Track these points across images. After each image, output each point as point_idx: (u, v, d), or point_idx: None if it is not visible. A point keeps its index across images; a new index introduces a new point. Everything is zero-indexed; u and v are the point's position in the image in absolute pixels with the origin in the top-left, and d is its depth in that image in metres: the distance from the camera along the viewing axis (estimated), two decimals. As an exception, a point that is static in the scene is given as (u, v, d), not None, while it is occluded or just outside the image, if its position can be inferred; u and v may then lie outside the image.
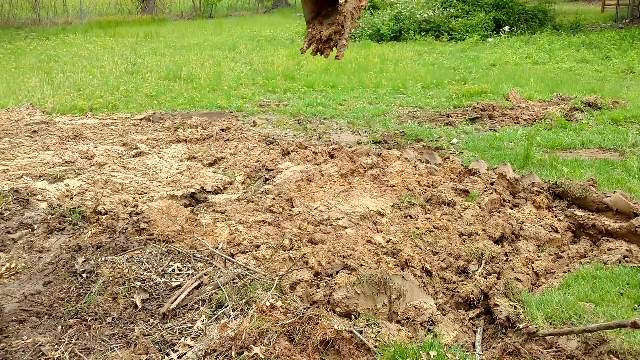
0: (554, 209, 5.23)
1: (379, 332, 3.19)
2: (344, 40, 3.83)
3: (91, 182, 5.69)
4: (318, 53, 3.90)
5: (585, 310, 3.44)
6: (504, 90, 10.57)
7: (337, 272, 3.95)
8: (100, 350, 3.10)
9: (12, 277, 3.84)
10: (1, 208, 4.78)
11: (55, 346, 3.12)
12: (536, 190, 5.48)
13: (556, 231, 4.79)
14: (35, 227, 4.57)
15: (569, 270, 4.15)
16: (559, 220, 4.99)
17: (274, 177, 5.95)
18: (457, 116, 9.01)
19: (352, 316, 3.41)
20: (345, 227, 4.75)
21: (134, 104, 9.85)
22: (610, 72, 12.58)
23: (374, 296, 3.50)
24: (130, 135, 7.79)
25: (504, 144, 7.38)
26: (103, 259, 3.95)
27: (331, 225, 4.81)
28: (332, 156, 6.71)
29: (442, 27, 19.44)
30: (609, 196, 5.13)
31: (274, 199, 5.29)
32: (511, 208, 5.31)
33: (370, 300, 3.50)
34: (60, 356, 3.03)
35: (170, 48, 17.57)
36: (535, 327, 3.23)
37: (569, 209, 5.15)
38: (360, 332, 3.16)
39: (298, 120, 8.91)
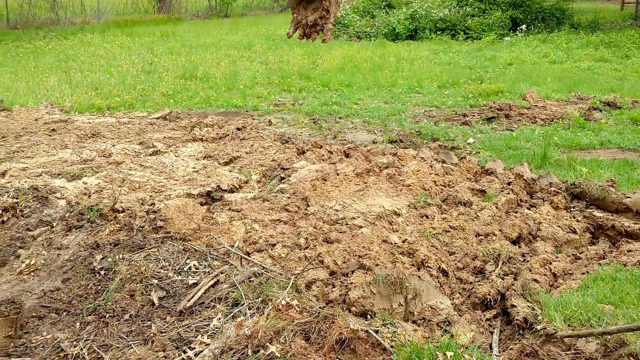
0: (572, 209, 5.18)
1: (395, 332, 3.18)
2: (330, 25, 3.89)
3: (109, 181, 5.75)
4: (305, 37, 3.94)
5: (605, 312, 3.40)
6: (521, 90, 10.48)
7: (352, 272, 3.95)
8: (118, 347, 3.13)
9: (32, 273, 3.89)
10: (21, 205, 4.84)
11: (74, 342, 3.15)
12: (554, 191, 5.43)
13: (574, 232, 4.74)
14: (54, 224, 4.62)
15: (587, 272, 4.10)
16: (577, 221, 4.93)
17: (290, 176, 5.96)
18: (474, 116, 8.95)
19: (368, 316, 3.41)
20: (361, 227, 4.74)
21: (151, 103, 9.93)
22: (630, 71, 12.41)
23: (390, 296, 3.50)
24: (147, 134, 7.85)
25: (521, 143, 7.32)
26: (120, 256, 3.98)
27: (347, 224, 4.80)
28: (347, 155, 6.70)
29: (458, 26, 19.32)
30: (628, 197, 5.06)
31: (289, 198, 5.30)
32: (528, 208, 5.26)
33: (386, 300, 3.49)
34: (79, 352, 3.06)
35: (187, 47, 17.66)
36: (554, 329, 3.20)
37: (588, 210, 5.09)
38: (376, 331, 3.15)
39: (313, 119, 8.91)
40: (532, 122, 8.49)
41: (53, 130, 7.90)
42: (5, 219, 4.62)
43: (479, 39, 18.10)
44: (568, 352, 3.10)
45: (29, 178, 5.76)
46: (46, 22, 23.64)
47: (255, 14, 32.60)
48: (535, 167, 6.33)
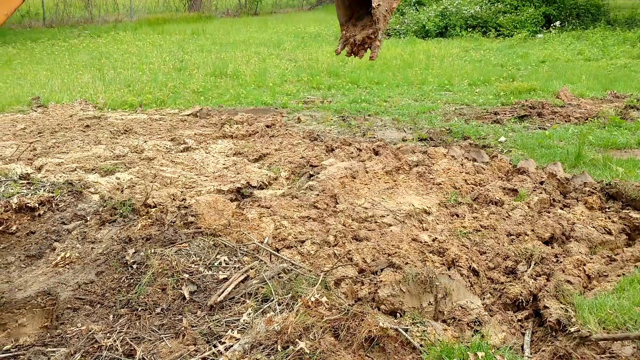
0: (607, 210, 5.06)
1: (424, 331, 3.16)
2: (377, 42, 3.90)
3: (141, 176, 5.84)
4: (352, 55, 3.95)
5: (642, 315, 3.31)
6: (554, 88, 10.29)
7: (382, 270, 3.93)
8: (150, 340, 3.18)
9: (67, 266, 3.98)
10: (56, 199, 4.96)
11: (108, 334, 3.21)
12: (588, 191, 5.31)
13: (609, 233, 4.63)
14: (88, 218, 4.72)
15: (623, 274, 4.00)
16: (613, 221, 4.82)
17: (318, 173, 5.95)
18: (505, 114, 8.82)
19: (398, 314, 3.39)
20: (390, 225, 4.72)
21: (182, 100, 10.05)
22: (668, 68, 12.07)
23: (419, 295, 3.47)
24: (178, 130, 7.95)
25: (554, 142, 7.18)
26: (152, 250, 4.04)
27: (376, 222, 4.78)
28: (376, 153, 6.67)
29: (489, 23, 19.05)
30: (666, 198, 4.92)
31: (318, 195, 5.30)
32: (562, 208, 5.16)
33: (415, 298, 3.47)
34: (112, 344, 3.12)
35: (217, 45, 17.82)
36: (588, 332, 3.14)
37: (624, 211, 4.96)
38: (406, 330, 3.14)
39: (342, 116, 8.90)
40: (566, 121, 8.32)
41: (87, 126, 8.07)
42: (41, 212, 4.73)
43: (511, 36, 17.81)
44: (603, 356, 3.03)
45: (64, 173, 5.89)
46: (80, 21, 24.16)
47: (284, 11, 32.71)
48: (569, 167, 6.21)
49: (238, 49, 16.91)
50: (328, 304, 3.32)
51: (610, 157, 6.38)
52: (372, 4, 4.21)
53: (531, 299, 3.76)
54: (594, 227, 4.67)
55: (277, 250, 4.24)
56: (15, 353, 3.13)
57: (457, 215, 4.97)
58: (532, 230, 4.66)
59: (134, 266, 3.89)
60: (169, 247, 4.12)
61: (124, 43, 18.28)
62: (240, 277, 3.74)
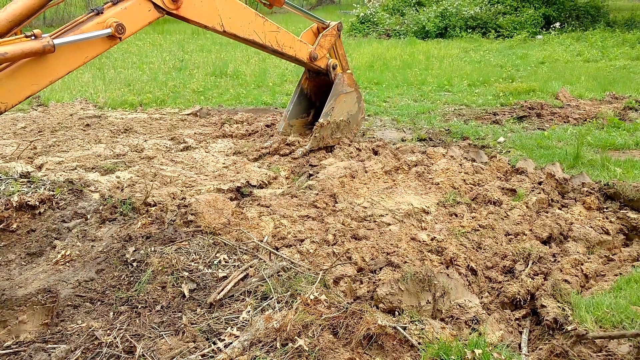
0: (605, 210, 5.08)
1: (422, 329, 3.18)
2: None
3: (141, 175, 5.86)
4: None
5: (638, 314, 3.33)
6: (553, 89, 10.32)
7: (380, 269, 3.95)
8: (150, 337, 3.20)
9: (67, 264, 4.00)
10: (57, 198, 4.98)
11: (108, 331, 3.23)
12: (586, 191, 5.34)
13: (607, 233, 4.65)
14: (89, 216, 4.74)
15: (620, 274, 4.03)
16: (611, 222, 4.84)
17: (318, 172, 5.98)
18: (504, 114, 8.84)
19: (396, 312, 3.41)
20: (389, 224, 4.74)
21: (182, 100, 10.07)
22: (667, 70, 12.10)
23: (418, 293, 3.49)
24: (178, 129, 7.97)
25: (552, 143, 7.21)
26: (152, 249, 4.06)
27: (375, 221, 4.81)
28: (376, 153, 6.69)
29: (489, 24, 19.10)
30: (664, 198, 4.95)
31: (317, 194, 5.32)
32: (560, 208, 5.18)
33: (414, 297, 3.49)
34: (112, 341, 3.14)
35: (217, 45, 17.84)
36: (585, 330, 3.16)
37: (621, 211, 4.98)
38: (404, 328, 3.16)
39: (342, 116, 8.91)
40: (565, 122, 8.35)
41: (87, 125, 8.09)
42: (42, 210, 4.75)
43: (511, 37, 17.85)
44: (599, 354, 3.05)
45: (64, 171, 5.90)
46: (80, 20, 24.17)
47: (284, 12, 32.67)
48: (568, 167, 6.23)
49: (238, 48, 16.93)
50: (327, 302, 3.34)
51: (608, 158, 6.40)
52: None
53: (529, 298, 3.78)
54: (591, 227, 4.69)
55: (277, 248, 4.26)
56: (16, 350, 3.15)
57: (456, 215, 4.99)
58: (530, 230, 4.68)
59: (134, 264, 3.91)
60: (168, 246, 4.14)
61: (124, 42, 18.29)
62: (240, 275, 3.76)
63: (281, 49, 6.10)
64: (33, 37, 3.79)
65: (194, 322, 3.33)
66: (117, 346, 3.11)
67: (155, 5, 4.76)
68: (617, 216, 4.91)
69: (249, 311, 3.36)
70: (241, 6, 5.60)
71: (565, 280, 3.87)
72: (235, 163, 6.46)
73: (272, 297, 3.47)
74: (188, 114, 8.99)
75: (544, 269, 4.10)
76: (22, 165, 6.03)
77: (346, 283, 3.76)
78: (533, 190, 5.42)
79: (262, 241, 4.32)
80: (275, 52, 6.12)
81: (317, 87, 7.18)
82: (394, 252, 4.17)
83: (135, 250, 4.06)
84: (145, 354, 3.04)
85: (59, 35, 4.07)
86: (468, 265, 4.06)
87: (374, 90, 10.90)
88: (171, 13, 4.93)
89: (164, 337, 3.19)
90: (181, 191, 5.46)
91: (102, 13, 4.39)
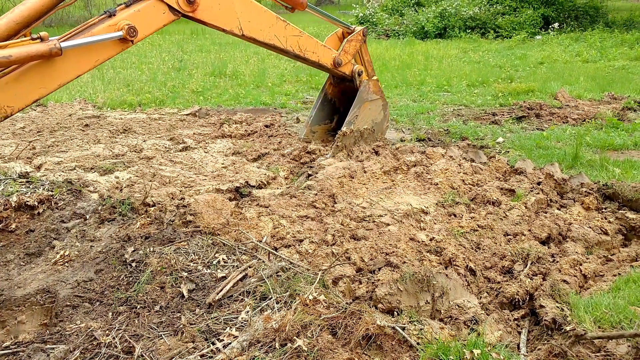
0: (603, 210, 5.09)
1: (421, 329, 3.18)
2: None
3: (140, 175, 5.86)
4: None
5: (637, 314, 3.34)
6: (552, 89, 10.33)
7: (379, 269, 3.96)
8: (149, 337, 3.20)
9: (66, 264, 4.00)
10: (56, 198, 4.97)
11: (107, 331, 3.23)
12: (585, 191, 5.34)
13: (606, 233, 4.65)
14: (87, 217, 4.73)
15: (619, 274, 4.03)
16: (609, 222, 4.85)
17: (317, 173, 5.98)
18: (503, 115, 8.85)
19: (395, 313, 3.41)
20: (388, 224, 4.74)
21: (181, 100, 10.07)
22: (666, 70, 12.11)
23: (416, 294, 3.49)
24: (177, 130, 7.97)
25: (551, 143, 7.21)
26: (151, 249, 4.06)
27: (374, 222, 4.81)
28: (375, 153, 6.69)
29: (488, 25, 19.11)
30: (663, 198, 4.95)
31: (316, 194, 5.32)
32: (558, 209, 5.19)
33: (413, 297, 3.49)
34: (111, 341, 3.14)
35: (216, 45, 17.84)
36: (583, 330, 3.16)
37: (620, 211, 4.99)
38: (403, 328, 3.16)
39: (341, 117, 8.92)
40: (564, 122, 8.36)
41: (86, 125, 8.08)
42: (40, 210, 4.75)
43: (510, 38, 17.87)
44: (598, 354, 3.05)
45: (63, 172, 5.90)
46: (80, 20, 24.15)
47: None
48: (566, 167, 6.24)
49: (237, 49, 16.93)
50: (326, 302, 3.34)
51: (607, 158, 6.41)
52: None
53: (527, 298, 3.78)
54: (590, 228, 4.70)
55: (276, 249, 4.27)
56: (15, 350, 3.15)
57: (455, 215, 4.99)
58: (529, 230, 4.69)
59: (133, 264, 3.91)
60: (167, 246, 4.14)
61: (123, 43, 18.25)
62: (239, 275, 3.76)
63: (303, 54, 5.94)
64: (40, 40, 3.72)
65: (193, 322, 3.33)
66: (116, 346, 3.11)
67: (170, 8, 4.61)
68: (615, 216, 4.92)
69: (247, 311, 3.36)
70: (261, 9, 5.44)
71: (564, 281, 3.87)
72: (234, 163, 6.47)
73: (271, 298, 3.47)
74: (187, 114, 8.99)
75: (542, 269, 4.11)
76: (21, 165, 6.03)
77: (345, 283, 3.76)
78: (532, 191, 5.43)
79: (261, 241, 4.32)
80: (297, 57, 5.96)
81: (341, 93, 7.02)
82: (393, 252, 4.17)
83: (134, 251, 4.06)
84: (144, 354, 3.04)
85: (68, 38, 4.00)
86: (467, 265, 4.07)
87: (373, 91, 10.89)
88: (187, 15, 4.77)
89: (162, 338, 3.19)
90: (180, 191, 5.46)
91: (114, 15, 4.28)
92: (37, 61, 3.80)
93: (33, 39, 3.71)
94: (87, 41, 4.05)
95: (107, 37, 4.16)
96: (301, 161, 6.46)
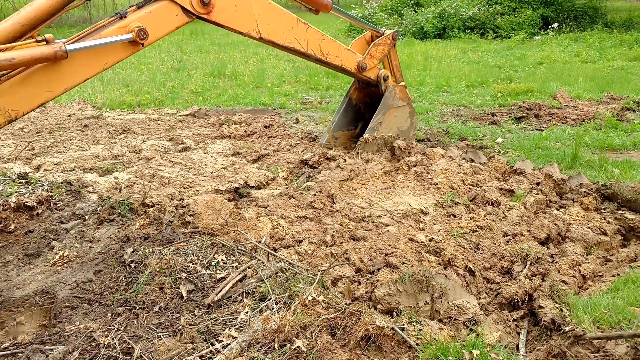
0: (602, 211, 5.09)
1: (420, 330, 3.18)
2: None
3: (139, 176, 5.86)
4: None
5: (635, 314, 3.34)
6: (551, 89, 10.33)
7: (378, 269, 3.96)
8: (148, 338, 3.20)
9: (65, 265, 3.99)
10: (55, 199, 4.97)
11: (106, 332, 3.23)
12: (584, 192, 5.35)
13: (605, 234, 4.66)
14: (87, 217, 4.73)
15: (618, 274, 4.04)
16: (608, 222, 4.85)
17: (317, 173, 5.97)
18: (502, 115, 8.86)
19: (394, 313, 3.41)
20: (387, 225, 4.74)
21: (180, 100, 10.07)
22: (665, 70, 12.12)
23: (416, 294, 3.49)
24: (176, 130, 7.97)
25: (550, 143, 7.22)
26: (150, 250, 4.06)
27: (373, 222, 4.81)
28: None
29: (487, 25, 19.12)
30: (661, 199, 4.96)
31: (315, 195, 5.32)
32: (558, 209, 5.19)
33: (412, 298, 3.49)
34: (110, 342, 3.14)
35: (215, 46, 17.84)
36: (582, 331, 3.16)
37: (619, 212, 5.00)
38: (402, 329, 3.16)
39: (340, 117, 8.91)
40: (563, 122, 8.36)
41: (85, 126, 8.08)
42: (40, 211, 4.74)
43: (509, 38, 17.87)
44: (597, 355, 3.06)
45: (62, 172, 5.90)
46: (79, 21, 24.18)
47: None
48: (565, 168, 6.24)
49: (236, 49, 16.93)
50: (325, 303, 3.34)
51: (606, 159, 6.41)
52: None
53: (526, 299, 3.79)
54: (589, 228, 4.70)
55: (275, 249, 4.26)
56: (14, 351, 3.15)
57: (454, 216, 4.99)
58: (528, 230, 4.69)
59: (132, 265, 3.90)
60: (166, 247, 4.14)
61: (123, 43, 18.25)
62: (238, 276, 3.75)
63: (325, 58, 5.74)
64: (45, 42, 3.62)
65: (192, 323, 3.33)
66: (114, 347, 3.10)
67: (184, 9, 4.45)
68: (614, 217, 4.92)
69: (247, 312, 3.36)
70: (281, 11, 5.25)
71: (563, 281, 3.88)
72: (233, 164, 6.47)
73: (270, 298, 3.47)
74: (186, 115, 8.99)
75: (541, 269, 4.11)
76: (20, 166, 6.02)
77: (344, 284, 3.76)
78: (531, 191, 5.43)
79: (260, 242, 4.32)
80: (319, 61, 5.76)
81: (367, 99, 6.81)
82: (392, 252, 4.17)
83: (133, 252, 4.06)
84: (143, 355, 3.04)
85: (76, 40, 3.90)
86: (466, 266, 4.07)
87: (372, 91, 10.90)
88: (201, 17, 4.62)
89: (162, 339, 3.19)
90: (179, 192, 5.46)
91: (125, 17, 4.16)
92: (42, 64, 3.71)
93: (38, 41, 3.62)
94: (94, 44, 3.94)
95: (115, 40, 4.04)
96: (320, 168, 6.11)
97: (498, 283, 4.02)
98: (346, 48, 5.95)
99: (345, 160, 5.97)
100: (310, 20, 5.85)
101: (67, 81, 3.89)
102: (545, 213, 5.07)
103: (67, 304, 3.51)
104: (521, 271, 4.10)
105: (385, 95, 6.38)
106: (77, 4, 4.08)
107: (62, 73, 3.84)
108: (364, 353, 3.04)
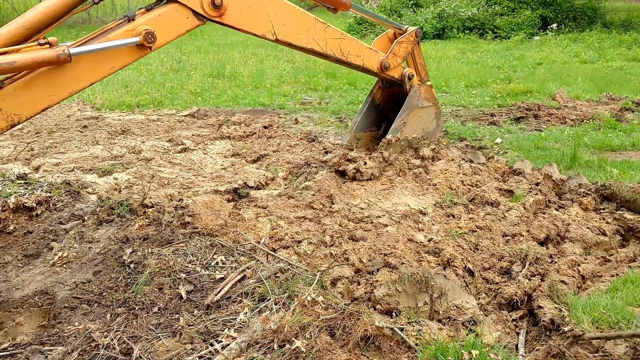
0: (602, 211, 5.10)
1: (420, 330, 3.19)
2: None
3: (138, 176, 5.86)
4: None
5: (634, 314, 3.34)
6: (550, 90, 10.34)
7: (378, 270, 3.96)
8: (147, 339, 3.20)
9: (65, 266, 3.99)
10: (54, 199, 4.97)
11: (105, 333, 3.23)
12: (583, 192, 5.35)
13: (604, 234, 4.66)
14: (86, 218, 4.73)
15: (617, 274, 4.04)
16: (607, 222, 4.85)
17: (316, 174, 5.97)
18: (502, 115, 8.86)
19: (393, 314, 3.41)
20: (386, 225, 4.74)
21: (179, 101, 10.06)
22: (664, 71, 12.13)
23: (415, 294, 3.50)
24: (175, 131, 7.97)
25: (549, 144, 7.22)
26: (150, 250, 4.06)
27: (372, 222, 4.81)
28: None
29: (486, 25, 19.12)
30: (660, 199, 4.96)
31: (314, 195, 5.32)
32: (557, 209, 5.20)
33: (411, 298, 3.49)
34: (109, 343, 3.14)
35: (214, 46, 17.84)
36: (581, 331, 3.17)
37: (618, 212, 5.00)
38: (402, 329, 3.16)
39: (339, 118, 8.93)
40: (562, 123, 8.37)
41: (85, 126, 8.08)
42: (39, 212, 4.74)
43: (508, 38, 17.88)
44: (596, 355, 3.06)
45: (61, 173, 5.90)
46: (78, 21, 24.15)
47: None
48: (565, 168, 6.25)
49: (236, 50, 16.93)
50: (324, 304, 3.34)
51: (605, 159, 6.42)
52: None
53: (526, 299, 3.79)
54: (588, 228, 4.70)
55: (274, 250, 4.27)
56: (13, 352, 3.14)
57: (453, 216, 4.99)
58: (528, 231, 4.69)
59: (131, 266, 3.90)
60: (166, 247, 4.14)
61: (122, 44, 18.24)
62: (237, 276, 3.76)
63: (346, 58, 5.52)
64: (48, 45, 3.54)
65: (191, 323, 3.33)
66: (114, 348, 3.10)
67: (195, 12, 4.28)
68: (613, 217, 4.92)
69: (246, 313, 3.36)
70: (298, 11, 5.06)
71: (562, 281, 3.88)
72: (233, 164, 6.47)
73: (270, 299, 3.47)
74: (185, 115, 8.99)
75: (541, 270, 4.11)
76: (19, 166, 6.02)
77: (343, 284, 3.76)
78: (530, 192, 5.43)
79: (259, 242, 4.32)
80: (339, 61, 5.56)
81: (391, 98, 6.58)
82: (391, 253, 4.17)
83: (132, 252, 4.06)
84: (142, 356, 3.04)
85: (82, 43, 3.82)
86: (465, 266, 4.07)
87: (371, 92, 10.90)
88: (213, 20, 4.44)
89: (161, 339, 3.19)
90: (179, 193, 5.46)
91: (133, 20, 4.04)
92: (46, 68, 3.62)
93: (40, 44, 3.54)
94: (98, 47, 3.82)
95: (121, 44, 3.92)
96: (340, 169, 5.89)
97: (497, 283, 4.02)
98: (368, 47, 5.76)
99: (365, 163, 5.78)
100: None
101: (72, 85, 3.79)
102: (544, 213, 5.08)
103: (67, 305, 3.51)
104: (520, 271, 4.10)
105: (410, 94, 6.18)
106: (81, 8, 4.01)
107: (66, 77, 3.75)
108: (363, 353, 3.04)
